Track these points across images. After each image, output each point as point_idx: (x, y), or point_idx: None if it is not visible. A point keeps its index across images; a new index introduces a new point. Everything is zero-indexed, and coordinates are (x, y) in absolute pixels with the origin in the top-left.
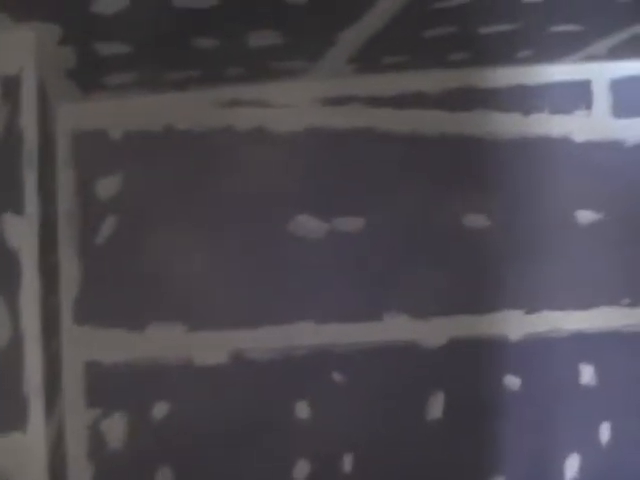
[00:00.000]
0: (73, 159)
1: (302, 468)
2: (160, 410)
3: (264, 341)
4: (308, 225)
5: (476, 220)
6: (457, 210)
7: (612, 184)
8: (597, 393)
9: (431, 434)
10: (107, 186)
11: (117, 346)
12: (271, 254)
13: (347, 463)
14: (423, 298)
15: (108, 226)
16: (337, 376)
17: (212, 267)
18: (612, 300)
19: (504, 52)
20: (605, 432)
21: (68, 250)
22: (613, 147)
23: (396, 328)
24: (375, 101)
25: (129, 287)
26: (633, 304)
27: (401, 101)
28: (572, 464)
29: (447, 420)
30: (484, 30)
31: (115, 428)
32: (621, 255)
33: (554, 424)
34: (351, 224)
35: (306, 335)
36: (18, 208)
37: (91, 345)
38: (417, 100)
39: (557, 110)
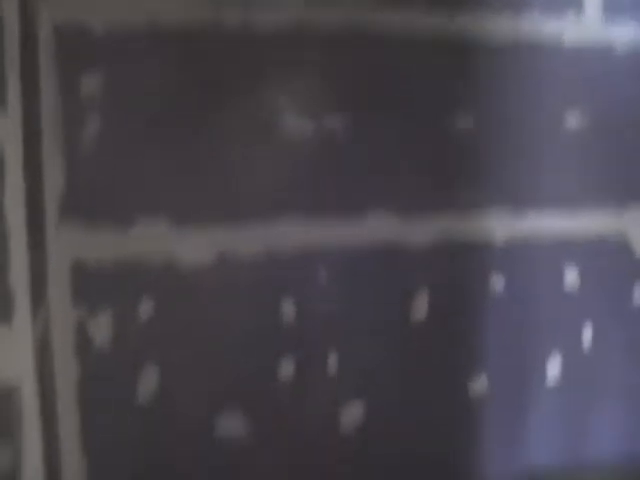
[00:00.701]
0: (56, 55)
1: (287, 368)
2: (146, 309)
3: (249, 241)
4: (295, 122)
5: (464, 122)
6: (445, 111)
7: (601, 89)
8: (580, 296)
9: (415, 334)
10: (91, 84)
11: (102, 245)
12: (256, 152)
13: (332, 363)
14: (409, 198)
15: (92, 125)
16: (322, 276)
17: (194, 163)
18: (598, 205)
19: None
20: (587, 334)
21: (52, 148)
22: (603, 52)
23: (381, 228)
24: (367, 3)
25: (113, 185)
26: (619, 210)
27: (392, 2)
28: (554, 365)
29: (431, 321)
30: None
31: (101, 327)
32: (608, 160)
33: (537, 326)
34: (337, 122)
35: (291, 235)
36: (1, 106)
37: (76, 244)
38: (409, 2)
39: (547, 12)
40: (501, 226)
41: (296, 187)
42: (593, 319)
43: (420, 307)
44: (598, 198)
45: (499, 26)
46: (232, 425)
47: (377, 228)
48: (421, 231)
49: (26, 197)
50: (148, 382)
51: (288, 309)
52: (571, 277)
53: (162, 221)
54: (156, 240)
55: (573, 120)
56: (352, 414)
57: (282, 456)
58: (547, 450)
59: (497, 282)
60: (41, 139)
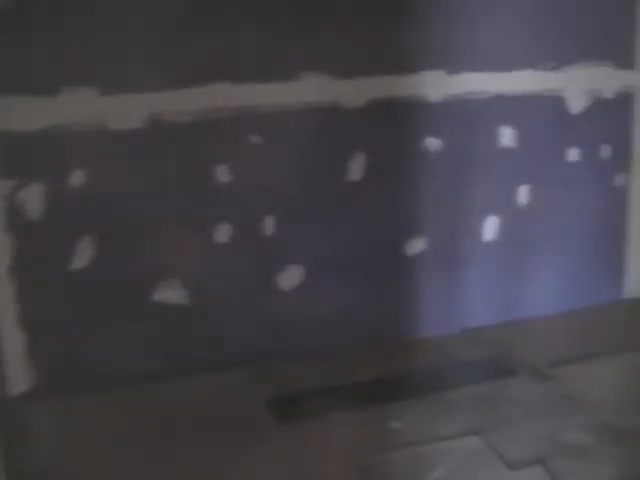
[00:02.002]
0: None
1: (224, 231)
2: (77, 178)
3: (180, 104)
4: None
5: None
6: None
7: None
8: (516, 156)
9: (353, 195)
10: None
11: (29, 114)
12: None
13: (268, 225)
14: (341, 58)
15: None
16: (256, 138)
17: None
18: (534, 63)
19: None
20: (523, 194)
21: None
22: None
23: (314, 89)
24: None
25: (40, 50)
26: (555, 67)
27: None
28: (491, 224)
29: (368, 181)
30: None
31: (32, 198)
32: (544, 18)
33: (474, 186)
34: None
35: (222, 97)
36: None
37: (2, 114)
38: None
39: None
40: (436, 85)
41: (228, 50)
42: (529, 178)
43: (357, 167)
44: (533, 57)
45: None
46: (170, 292)
47: (311, 90)
48: (355, 92)
49: None
50: (84, 251)
51: (222, 174)
52: (507, 136)
53: (90, 89)
54: (85, 107)
55: None
56: (289, 278)
57: (217, 320)
58: (484, 307)
59: (433, 142)
60: None
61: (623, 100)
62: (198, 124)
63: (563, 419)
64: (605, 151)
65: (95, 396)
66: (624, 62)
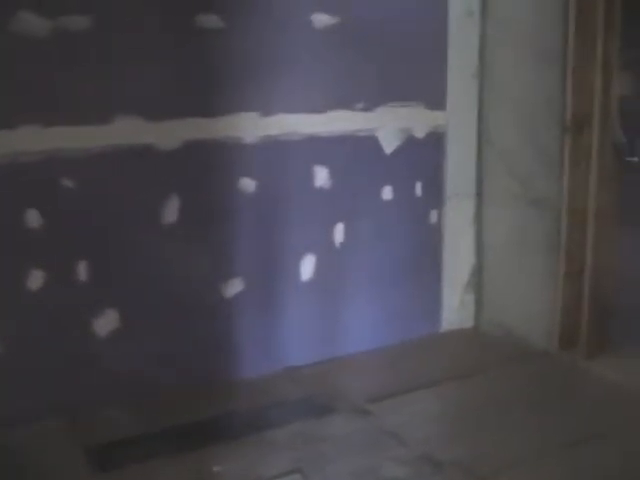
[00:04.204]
0: None
1: (36, 278)
2: None
3: None
4: (32, 23)
5: (209, 20)
6: (190, 9)
7: None
8: (331, 195)
9: (167, 238)
10: None
11: None
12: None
13: (82, 270)
14: (156, 100)
15: None
16: (67, 182)
17: None
18: (347, 104)
19: None
20: (339, 233)
21: None
22: None
23: (128, 131)
24: None
25: None
26: (368, 108)
27: None
28: (308, 263)
29: (183, 224)
30: None
31: None
32: (358, 60)
33: (290, 226)
34: (78, 22)
35: (31, 140)
36: None
37: None
38: None
39: None
40: (251, 127)
41: (35, 89)
42: (344, 215)
43: (171, 210)
44: (347, 98)
45: None
46: None
47: (124, 132)
48: (169, 134)
49: None
50: None
51: (33, 219)
52: (322, 176)
53: None
54: None
55: (321, 20)
56: (105, 323)
57: (32, 368)
58: (304, 345)
59: (249, 183)
60: None
61: (434, 139)
62: (5, 168)
63: (383, 453)
64: (418, 189)
65: None
66: (435, 103)
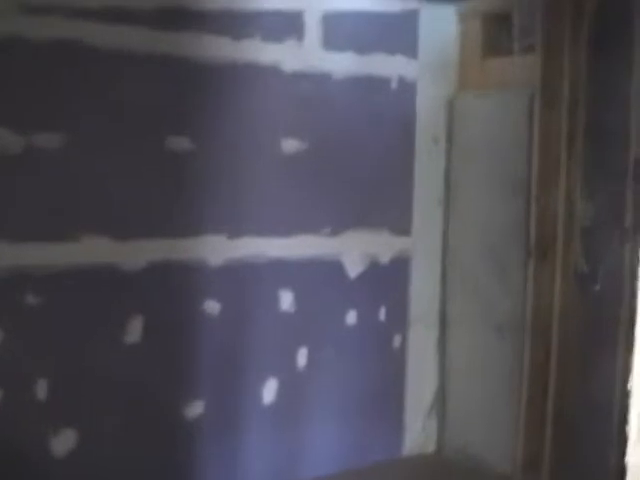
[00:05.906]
0: None
1: None
2: None
3: None
4: (5, 139)
5: (179, 143)
6: (160, 131)
7: (318, 115)
8: (295, 319)
9: (129, 358)
10: None
11: None
12: None
13: (41, 389)
14: (122, 220)
15: None
16: (31, 299)
17: None
18: (313, 228)
19: None
20: (302, 357)
21: None
22: (321, 79)
23: (94, 250)
24: (80, 13)
25: None
26: (333, 233)
27: (107, 15)
28: (270, 388)
29: (146, 344)
30: None
31: None
32: (324, 185)
33: (253, 349)
34: (50, 140)
35: None
36: None
37: None
38: (125, 16)
39: (268, 38)
40: (217, 249)
41: (4, 208)
42: (308, 341)
43: (135, 330)
44: (312, 223)
45: (218, 49)
46: None
47: (89, 251)
48: (135, 254)
49: None
50: None
51: None
52: (287, 300)
53: None
54: None
55: (290, 145)
56: (63, 442)
57: None
58: (264, 469)
59: (213, 306)
60: None
61: (399, 264)
62: None
63: None
64: (382, 313)
65: None
66: (400, 228)
